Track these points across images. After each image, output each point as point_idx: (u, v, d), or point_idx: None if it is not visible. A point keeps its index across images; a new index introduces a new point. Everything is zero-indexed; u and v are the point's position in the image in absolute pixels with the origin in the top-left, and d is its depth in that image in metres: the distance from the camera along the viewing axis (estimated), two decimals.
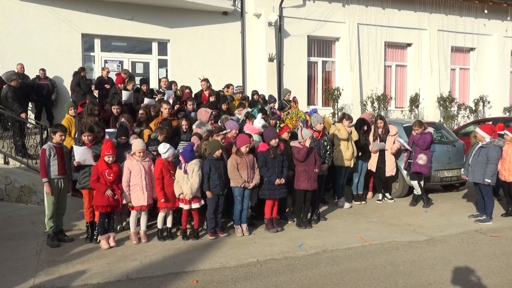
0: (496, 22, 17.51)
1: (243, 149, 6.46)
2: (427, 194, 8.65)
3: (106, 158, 5.92)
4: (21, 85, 9.71)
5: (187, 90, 10.47)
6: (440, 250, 5.84)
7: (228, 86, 11.01)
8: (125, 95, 8.84)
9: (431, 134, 8.36)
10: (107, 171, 5.92)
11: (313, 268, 5.20)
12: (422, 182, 8.43)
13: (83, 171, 6.19)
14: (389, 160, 8.60)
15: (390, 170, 8.60)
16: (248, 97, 10.57)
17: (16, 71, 10.44)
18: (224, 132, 6.70)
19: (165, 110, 7.89)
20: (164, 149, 6.27)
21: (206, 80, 10.25)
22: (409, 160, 8.45)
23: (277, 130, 7.50)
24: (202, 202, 6.37)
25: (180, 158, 6.30)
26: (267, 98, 10.51)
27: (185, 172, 6.18)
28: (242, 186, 6.44)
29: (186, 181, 6.16)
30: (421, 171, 8.25)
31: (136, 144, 6.20)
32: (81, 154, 6.13)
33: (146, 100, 8.66)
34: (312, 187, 6.87)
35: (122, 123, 7.05)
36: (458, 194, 9.48)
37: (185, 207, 6.27)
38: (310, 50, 15.20)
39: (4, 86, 9.49)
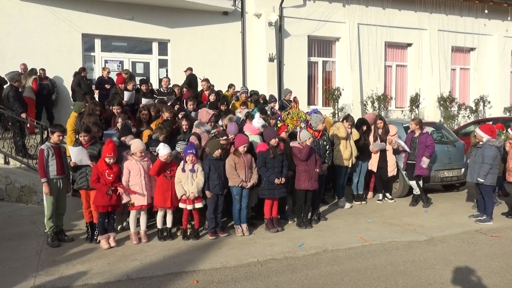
0: (496, 22, 17.50)
1: (241, 149, 6.46)
2: (427, 194, 8.65)
3: (107, 160, 5.91)
4: None
5: (185, 90, 10.46)
6: (441, 250, 5.84)
7: (230, 86, 11.02)
8: (126, 95, 8.83)
9: (430, 135, 8.34)
10: (107, 171, 5.91)
11: (313, 268, 5.20)
12: (420, 182, 8.44)
13: (80, 172, 6.18)
14: (391, 160, 8.60)
15: (392, 170, 8.61)
16: (251, 99, 10.54)
17: (19, 71, 10.44)
18: (224, 138, 6.68)
19: (166, 115, 7.78)
20: (157, 148, 6.29)
21: (206, 80, 10.23)
22: (408, 161, 8.45)
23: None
24: (204, 202, 6.38)
25: (186, 158, 6.29)
26: (267, 98, 10.50)
27: (192, 170, 6.17)
28: (239, 186, 6.45)
29: (191, 181, 6.17)
30: (422, 174, 8.28)
31: (136, 144, 6.20)
32: (76, 154, 6.13)
33: (144, 100, 8.65)
34: (313, 187, 6.87)
35: (127, 123, 7.04)
36: (458, 194, 9.48)
37: (189, 207, 6.27)
38: (310, 50, 15.19)
39: (5, 86, 9.49)
